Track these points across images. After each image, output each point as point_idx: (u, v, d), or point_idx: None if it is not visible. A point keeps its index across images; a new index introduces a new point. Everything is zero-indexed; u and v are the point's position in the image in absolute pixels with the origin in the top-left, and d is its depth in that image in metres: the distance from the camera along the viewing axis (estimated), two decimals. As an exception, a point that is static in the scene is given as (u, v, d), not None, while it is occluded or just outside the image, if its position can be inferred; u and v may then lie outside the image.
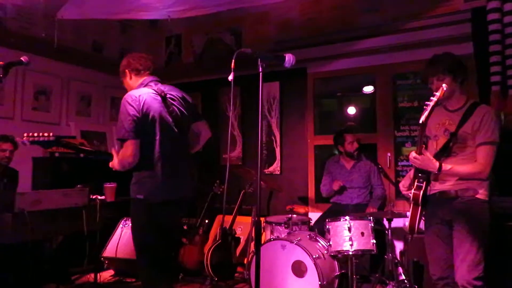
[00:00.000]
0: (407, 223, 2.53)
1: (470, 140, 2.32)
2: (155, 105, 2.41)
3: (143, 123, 2.35)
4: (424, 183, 2.38)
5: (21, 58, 2.17)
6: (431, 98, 2.18)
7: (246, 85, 4.26)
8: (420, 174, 2.39)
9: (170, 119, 2.46)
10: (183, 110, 2.55)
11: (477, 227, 2.28)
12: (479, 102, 2.51)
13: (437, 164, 2.27)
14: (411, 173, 2.58)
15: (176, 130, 2.49)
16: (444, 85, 2.20)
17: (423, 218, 2.47)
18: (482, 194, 2.32)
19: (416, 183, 2.40)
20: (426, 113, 2.17)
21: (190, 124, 2.65)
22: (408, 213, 2.51)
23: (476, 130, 2.29)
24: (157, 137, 2.40)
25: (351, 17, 4.51)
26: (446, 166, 2.29)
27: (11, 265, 3.31)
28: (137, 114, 2.32)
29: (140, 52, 2.67)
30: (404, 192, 2.61)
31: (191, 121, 2.66)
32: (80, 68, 5.11)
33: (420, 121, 2.19)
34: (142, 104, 2.35)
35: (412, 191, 2.40)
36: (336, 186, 4.07)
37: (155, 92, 2.45)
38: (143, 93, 2.41)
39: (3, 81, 2.13)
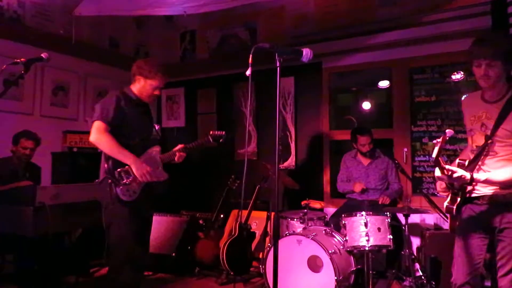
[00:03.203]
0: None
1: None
2: None
3: None
4: (460, 193, 2.15)
5: (41, 55, 2.20)
6: (437, 140, 1.91)
7: (261, 80, 4.25)
8: (456, 186, 2.15)
9: None
10: None
11: None
12: None
13: (468, 176, 1.97)
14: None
15: None
16: (447, 133, 1.91)
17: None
18: None
19: (450, 194, 2.17)
20: (436, 152, 1.93)
21: None
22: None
23: None
24: None
25: (367, 11, 4.47)
26: (480, 178, 2.00)
27: (33, 258, 3.39)
28: None
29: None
30: (441, 193, 2.34)
31: None
32: (97, 64, 5.17)
33: (434, 160, 1.96)
34: None
35: (445, 204, 2.18)
36: (358, 189, 3.98)
37: None
38: None
39: (24, 78, 2.17)
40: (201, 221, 4.65)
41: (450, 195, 2.18)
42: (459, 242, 2.23)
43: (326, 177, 4.76)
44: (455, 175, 1.96)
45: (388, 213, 3.32)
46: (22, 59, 2.10)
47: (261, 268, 3.49)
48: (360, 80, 5.02)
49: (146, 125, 2.91)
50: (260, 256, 4.20)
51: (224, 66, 5.32)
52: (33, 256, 3.39)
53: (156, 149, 2.89)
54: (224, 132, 2.98)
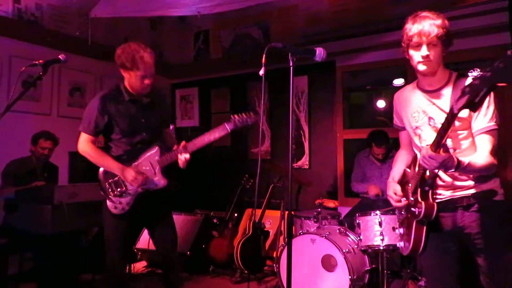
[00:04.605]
0: (401, 244, 1.96)
1: (467, 128, 1.78)
2: None
3: None
4: (430, 190, 1.81)
5: (59, 56, 2.23)
6: (470, 73, 1.52)
7: (274, 79, 4.25)
8: (428, 179, 1.80)
9: None
10: None
11: (504, 237, 1.80)
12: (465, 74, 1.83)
13: (456, 160, 1.65)
14: (395, 173, 2.07)
15: None
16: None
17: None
18: (501, 194, 1.82)
19: (419, 190, 1.81)
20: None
21: None
22: (400, 230, 1.97)
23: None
24: None
25: (380, 9, 4.42)
26: (464, 161, 1.67)
27: (50, 255, 3.46)
28: None
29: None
30: (399, 204, 1.98)
31: None
32: (112, 65, 5.12)
33: (450, 116, 1.60)
34: None
35: (423, 204, 1.76)
36: (372, 193, 3.93)
37: None
38: None
39: (42, 79, 2.21)
40: (215, 220, 4.69)
41: (419, 192, 1.81)
42: (426, 257, 1.97)
43: (340, 176, 4.74)
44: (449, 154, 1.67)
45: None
46: (40, 61, 2.14)
47: (275, 267, 3.50)
48: (374, 78, 4.99)
49: (144, 123, 2.56)
50: (274, 255, 4.21)
51: (238, 66, 5.34)
52: (51, 254, 3.46)
53: (153, 151, 2.56)
54: (251, 114, 2.68)
